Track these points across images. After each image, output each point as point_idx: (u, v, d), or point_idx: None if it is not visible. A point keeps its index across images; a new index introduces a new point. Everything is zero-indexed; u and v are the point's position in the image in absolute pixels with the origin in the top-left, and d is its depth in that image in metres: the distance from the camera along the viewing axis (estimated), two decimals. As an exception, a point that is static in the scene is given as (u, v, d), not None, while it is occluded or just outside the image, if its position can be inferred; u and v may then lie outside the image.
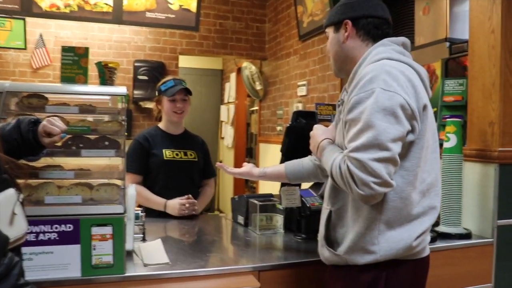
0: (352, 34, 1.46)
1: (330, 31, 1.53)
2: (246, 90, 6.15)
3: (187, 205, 2.31)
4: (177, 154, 2.45)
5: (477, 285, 2.01)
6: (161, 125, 2.56)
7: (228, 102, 7.39)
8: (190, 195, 2.35)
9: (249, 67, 5.73)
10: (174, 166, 2.42)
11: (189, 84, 2.55)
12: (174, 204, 2.31)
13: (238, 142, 7.02)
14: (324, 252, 1.44)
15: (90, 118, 1.76)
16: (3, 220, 1.00)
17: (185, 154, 2.49)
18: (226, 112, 7.39)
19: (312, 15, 4.11)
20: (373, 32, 1.45)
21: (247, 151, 7.08)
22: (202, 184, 2.60)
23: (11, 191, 1.05)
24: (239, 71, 6.67)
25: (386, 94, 1.24)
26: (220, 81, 7.96)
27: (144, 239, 1.88)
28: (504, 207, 2.04)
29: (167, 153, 2.43)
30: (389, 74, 1.28)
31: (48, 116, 1.52)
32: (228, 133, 7.24)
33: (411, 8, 3.20)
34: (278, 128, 5.13)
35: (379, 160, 1.20)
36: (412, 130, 1.29)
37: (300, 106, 4.48)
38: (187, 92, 2.48)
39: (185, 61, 5.87)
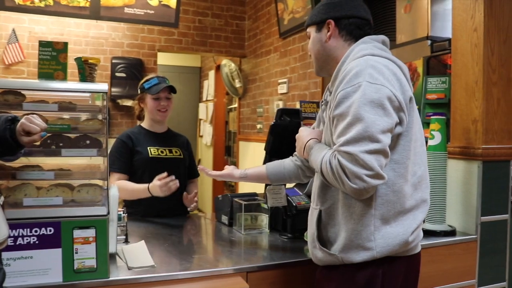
0: (335, 33, 1.47)
1: (312, 30, 1.53)
2: (225, 88, 6.10)
3: (168, 184, 2.15)
4: (162, 152, 2.39)
5: (462, 281, 2.02)
6: (144, 124, 2.49)
7: (207, 100, 7.33)
8: (165, 173, 2.19)
9: (228, 65, 5.68)
10: (159, 163, 2.35)
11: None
12: (155, 187, 2.17)
13: (217, 140, 6.97)
14: (317, 253, 1.42)
15: (67, 115, 1.69)
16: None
17: (170, 151, 2.43)
18: (205, 110, 7.32)
19: (293, 12, 4.09)
20: (355, 32, 1.47)
21: (226, 149, 7.03)
22: (187, 183, 2.54)
23: (-11, 194, 0.99)
24: (217, 68, 6.62)
25: (373, 87, 1.25)
26: (198, 79, 7.89)
27: (126, 241, 1.83)
28: (487, 204, 2.06)
29: (152, 151, 2.37)
30: (374, 68, 1.29)
31: (26, 114, 1.46)
32: (206, 131, 7.18)
33: (393, 6, 3.22)
34: (258, 126, 5.10)
35: (370, 152, 1.20)
36: (400, 122, 1.30)
37: (280, 104, 4.46)
38: (171, 90, 2.42)
39: (162, 59, 5.78)
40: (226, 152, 7.02)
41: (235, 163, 6.11)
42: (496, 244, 2.12)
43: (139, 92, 2.47)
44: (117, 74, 4.66)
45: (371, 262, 1.33)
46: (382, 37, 1.48)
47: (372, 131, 1.20)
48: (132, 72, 4.73)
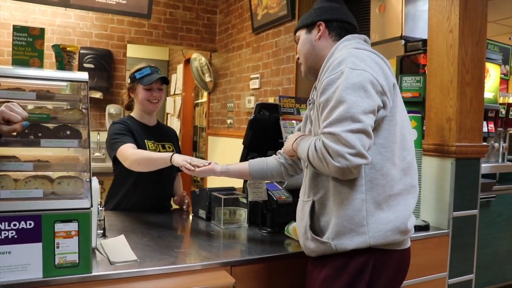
0: (325, 34, 1.54)
1: (301, 33, 1.60)
2: (194, 82, 6.02)
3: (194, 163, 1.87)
4: (156, 147, 2.33)
5: (434, 274, 2.09)
6: (134, 114, 2.40)
7: (175, 94, 7.23)
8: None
9: (198, 59, 5.62)
10: None
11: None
12: (179, 161, 1.89)
13: (185, 135, 6.90)
14: (309, 245, 1.42)
15: (44, 105, 1.62)
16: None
17: (163, 147, 2.37)
18: (172, 104, 7.22)
19: (267, 8, 4.08)
20: (344, 34, 1.53)
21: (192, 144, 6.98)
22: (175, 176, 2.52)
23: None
24: (186, 62, 6.53)
25: (355, 72, 1.30)
26: (166, 72, 7.76)
27: (104, 235, 1.77)
28: (459, 200, 2.14)
29: (150, 145, 2.30)
30: (356, 56, 1.35)
31: (2, 102, 1.38)
32: (174, 126, 7.08)
33: (367, 5, 3.27)
34: (229, 121, 5.08)
35: (352, 131, 1.23)
36: (383, 106, 1.34)
37: (252, 99, 4.46)
38: (164, 81, 2.35)
39: (129, 51, 5.63)
40: (192, 147, 6.95)
41: (203, 158, 6.06)
42: (466, 238, 2.21)
43: (129, 81, 2.38)
44: (85, 65, 4.50)
45: (364, 251, 1.34)
46: (364, 36, 1.55)
47: (353, 112, 1.24)
48: (100, 63, 4.59)
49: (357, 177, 1.33)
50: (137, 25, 4.91)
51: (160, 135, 2.41)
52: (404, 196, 1.40)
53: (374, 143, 1.33)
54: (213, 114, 5.63)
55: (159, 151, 2.32)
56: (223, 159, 5.22)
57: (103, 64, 4.60)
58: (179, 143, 2.60)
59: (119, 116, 4.78)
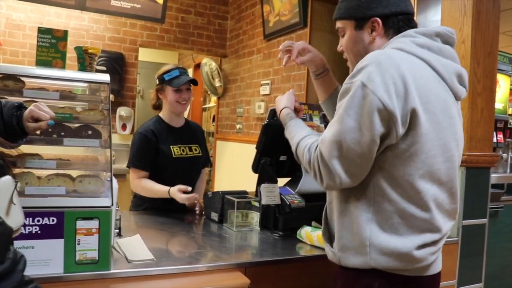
0: (381, 33, 1.30)
1: (348, 26, 1.34)
2: (203, 87, 6.07)
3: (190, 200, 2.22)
4: (183, 150, 2.40)
5: (443, 281, 2.10)
6: (163, 115, 2.47)
7: (183, 98, 7.27)
8: (189, 188, 2.23)
9: (209, 64, 5.67)
10: (181, 163, 2.36)
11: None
12: (176, 195, 2.21)
13: (193, 139, 6.92)
14: (326, 247, 1.41)
15: (66, 105, 1.66)
16: (1, 209, 0.92)
17: (190, 149, 2.45)
18: (181, 108, 7.26)
19: (279, 15, 4.13)
20: (403, 29, 1.29)
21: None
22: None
23: (8, 178, 0.97)
24: (196, 67, 6.59)
25: (364, 91, 1.14)
26: (175, 77, 7.81)
27: (119, 235, 1.81)
28: (468, 208, 2.16)
29: (175, 150, 2.38)
30: (379, 65, 1.15)
31: (26, 101, 1.43)
32: (182, 130, 7.13)
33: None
34: (238, 126, 5.11)
35: (339, 158, 1.19)
36: (388, 134, 1.16)
37: (262, 105, 4.49)
38: (193, 82, 2.41)
39: (140, 54, 5.70)
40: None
41: (212, 164, 6.10)
42: (475, 247, 2.22)
43: (157, 82, 2.43)
44: (98, 67, 4.55)
45: (368, 272, 1.24)
46: (437, 29, 1.29)
47: (344, 138, 1.17)
48: (113, 66, 4.65)
49: (365, 197, 1.23)
50: (149, 29, 4.98)
51: (187, 136, 2.48)
52: (417, 232, 1.22)
53: (381, 168, 1.20)
54: (222, 119, 5.67)
55: (186, 154, 2.41)
56: (232, 164, 5.25)
57: (115, 67, 4.67)
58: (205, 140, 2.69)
59: (130, 119, 4.83)
